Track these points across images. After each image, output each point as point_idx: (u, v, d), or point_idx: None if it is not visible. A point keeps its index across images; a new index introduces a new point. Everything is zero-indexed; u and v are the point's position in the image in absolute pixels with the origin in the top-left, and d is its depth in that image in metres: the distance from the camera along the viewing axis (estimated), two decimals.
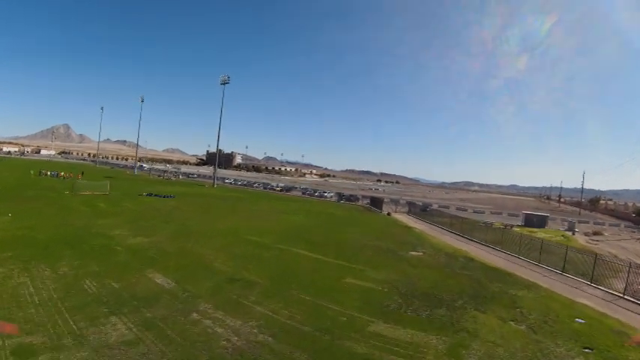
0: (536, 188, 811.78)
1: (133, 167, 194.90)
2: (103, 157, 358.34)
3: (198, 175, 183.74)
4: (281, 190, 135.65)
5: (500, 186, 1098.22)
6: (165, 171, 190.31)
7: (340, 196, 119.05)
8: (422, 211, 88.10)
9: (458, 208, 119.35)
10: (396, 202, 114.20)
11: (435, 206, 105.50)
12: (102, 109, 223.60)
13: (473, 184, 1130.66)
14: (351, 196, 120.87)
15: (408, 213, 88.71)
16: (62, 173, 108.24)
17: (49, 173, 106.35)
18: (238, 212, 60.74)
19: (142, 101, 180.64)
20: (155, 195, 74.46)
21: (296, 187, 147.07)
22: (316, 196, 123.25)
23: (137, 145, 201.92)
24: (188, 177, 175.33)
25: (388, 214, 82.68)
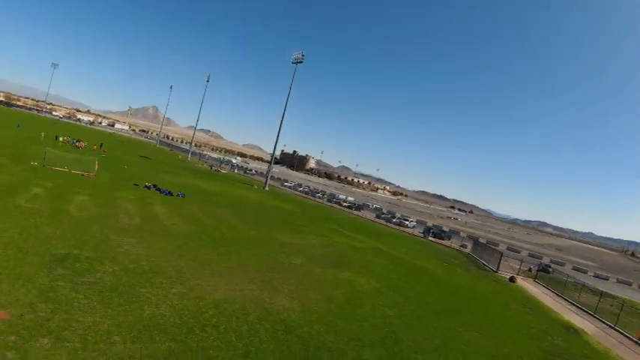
0: (612, 240, 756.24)
1: (187, 150, 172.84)
2: (174, 140, 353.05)
3: (257, 172, 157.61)
4: (349, 207, 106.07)
5: (575, 232, 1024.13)
6: (221, 161, 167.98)
7: (428, 230, 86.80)
8: (542, 271, 64.77)
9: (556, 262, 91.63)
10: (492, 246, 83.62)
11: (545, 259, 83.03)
12: (171, 87, 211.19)
13: (547, 225, 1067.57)
14: (441, 231, 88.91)
15: (535, 279, 57.98)
16: (83, 143, 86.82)
17: (66, 139, 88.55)
18: (252, 255, 29.78)
19: (208, 81, 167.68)
20: (158, 189, 50.27)
21: (368, 206, 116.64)
22: (394, 222, 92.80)
23: (194, 129, 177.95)
24: (245, 172, 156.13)
25: (512, 279, 51.52)
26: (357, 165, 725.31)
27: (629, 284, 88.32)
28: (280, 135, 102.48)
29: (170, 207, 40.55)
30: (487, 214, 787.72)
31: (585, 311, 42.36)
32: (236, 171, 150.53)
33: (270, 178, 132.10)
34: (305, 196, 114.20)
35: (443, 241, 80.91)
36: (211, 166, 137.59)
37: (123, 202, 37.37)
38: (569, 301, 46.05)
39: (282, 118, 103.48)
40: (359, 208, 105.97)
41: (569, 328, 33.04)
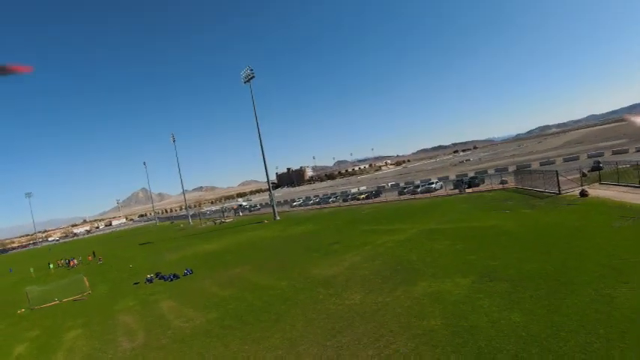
0: (614, 112, 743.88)
1: (186, 216, 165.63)
2: (173, 211, 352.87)
3: (262, 206, 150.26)
4: (367, 197, 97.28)
5: (577, 121, 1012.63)
6: (223, 211, 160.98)
7: (459, 184, 77.47)
8: (594, 170, 57.82)
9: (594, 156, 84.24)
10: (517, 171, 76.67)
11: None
12: (144, 163, 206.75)
13: (549, 127, 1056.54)
14: (472, 179, 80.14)
15: (600, 182, 49.44)
16: (75, 260, 79.77)
17: (60, 263, 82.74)
18: (298, 317, 21.69)
19: (174, 140, 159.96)
20: (161, 277, 43.06)
21: (384, 187, 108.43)
22: (420, 192, 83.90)
23: (183, 194, 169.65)
24: (250, 211, 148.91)
25: (583, 193, 42.80)
26: (351, 154, 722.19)
27: None
28: (266, 157, 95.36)
29: (178, 296, 33.07)
30: (490, 143, 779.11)
31: None
32: (241, 214, 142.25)
33: (277, 204, 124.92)
34: (319, 207, 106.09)
35: (480, 188, 72.79)
36: (214, 221, 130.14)
37: (122, 316, 30.04)
38: None
39: (260, 140, 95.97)
40: (377, 194, 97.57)
41: None
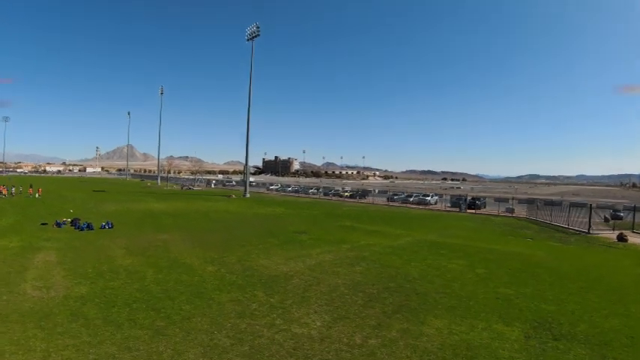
0: (605, 177, 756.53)
1: (162, 178, 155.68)
2: (152, 172, 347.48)
3: (237, 183, 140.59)
4: (352, 196, 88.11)
5: (568, 177, 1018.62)
6: (195, 180, 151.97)
7: (458, 200, 69.31)
8: (615, 218, 52.52)
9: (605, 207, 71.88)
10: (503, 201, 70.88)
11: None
12: (129, 113, 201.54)
13: (539, 176, 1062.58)
14: (475, 199, 71.50)
15: (633, 230, 43.86)
16: (4, 188, 68.02)
17: None
18: (198, 329, 11.68)
19: (162, 93, 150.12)
20: (74, 224, 33.84)
21: (370, 192, 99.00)
22: (412, 202, 75.20)
23: (158, 150, 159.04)
24: (224, 185, 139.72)
25: (621, 238, 36.35)
26: (341, 157, 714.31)
27: None
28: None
29: (67, 250, 23.48)
30: (479, 179, 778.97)
31: None
32: (213, 186, 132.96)
33: (255, 185, 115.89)
34: (296, 195, 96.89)
35: (482, 211, 64.23)
36: (182, 186, 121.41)
37: None
38: None
39: (249, 105, 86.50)
40: (364, 194, 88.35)
41: None
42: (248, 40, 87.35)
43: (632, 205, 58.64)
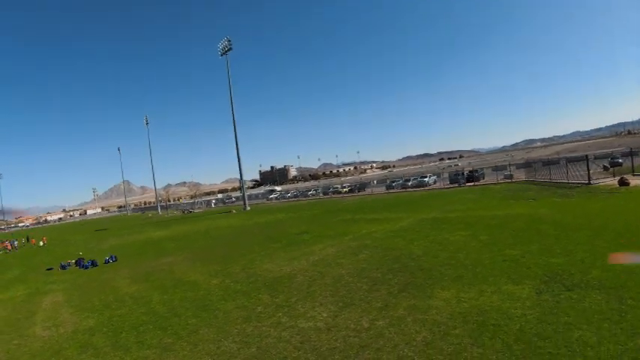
0: (598, 130, 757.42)
1: (162, 207, 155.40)
2: (152, 204, 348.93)
3: (237, 199, 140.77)
4: (351, 190, 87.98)
5: (562, 136, 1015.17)
6: (195, 202, 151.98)
7: (456, 176, 69.30)
8: (614, 165, 53.47)
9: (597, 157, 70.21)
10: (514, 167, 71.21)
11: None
12: (119, 149, 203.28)
13: (534, 140, 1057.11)
14: (473, 171, 71.11)
15: (633, 173, 44.19)
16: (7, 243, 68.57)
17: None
18: (208, 339, 11.77)
19: (147, 123, 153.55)
20: (78, 264, 33.73)
21: (369, 183, 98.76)
22: (412, 186, 75.04)
23: (154, 185, 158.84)
24: (224, 203, 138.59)
25: (623, 182, 36.41)
26: (336, 156, 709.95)
27: None
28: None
29: (74, 289, 23.54)
30: (477, 153, 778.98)
31: None
32: (213, 206, 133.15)
33: (255, 198, 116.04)
34: (295, 199, 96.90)
35: (481, 182, 64.15)
36: (183, 211, 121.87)
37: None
38: None
39: (233, 117, 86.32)
40: (362, 187, 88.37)
41: None
42: (221, 55, 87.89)
43: (629, 149, 58.70)
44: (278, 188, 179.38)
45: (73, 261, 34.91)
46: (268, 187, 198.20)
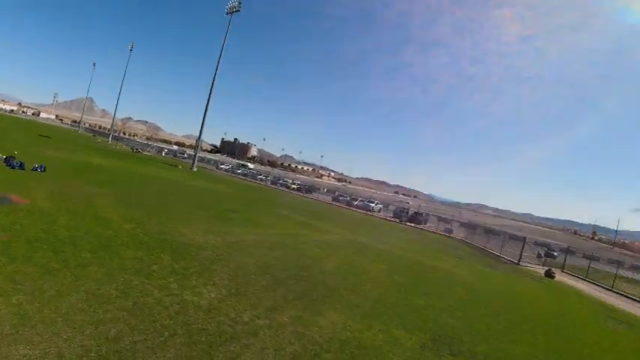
0: (549, 219, 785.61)
1: (114, 137, 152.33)
2: (107, 130, 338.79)
3: (188, 156, 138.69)
4: (298, 189, 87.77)
5: (514, 213, 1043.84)
6: (148, 145, 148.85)
7: (400, 212, 70.38)
8: (547, 256, 54.72)
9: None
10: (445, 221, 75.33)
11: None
12: (94, 64, 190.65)
13: (487, 207, 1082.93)
14: (417, 214, 72.45)
15: (563, 269, 46.86)
16: None
17: None
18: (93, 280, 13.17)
19: (131, 49, 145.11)
20: (7, 162, 31.32)
21: (319, 189, 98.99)
22: (356, 206, 75.64)
23: (115, 112, 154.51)
24: (175, 156, 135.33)
25: (549, 274, 37.79)
26: (300, 152, 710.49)
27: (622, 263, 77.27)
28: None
29: None
30: (430, 198, 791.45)
31: None
32: (164, 155, 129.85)
33: (207, 162, 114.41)
34: (244, 178, 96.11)
35: (421, 226, 65.18)
36: (133, 148, 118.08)
37: None
38: (630, 297, 36.96)
39: (213, 82, 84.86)
40: (310, 190, 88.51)
41: None
42: (227, 13, 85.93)
43: (567, 246, 61.55)
44: (251, 165, 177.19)
45: (3, 157, 33.46)
46: (241, 162, 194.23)
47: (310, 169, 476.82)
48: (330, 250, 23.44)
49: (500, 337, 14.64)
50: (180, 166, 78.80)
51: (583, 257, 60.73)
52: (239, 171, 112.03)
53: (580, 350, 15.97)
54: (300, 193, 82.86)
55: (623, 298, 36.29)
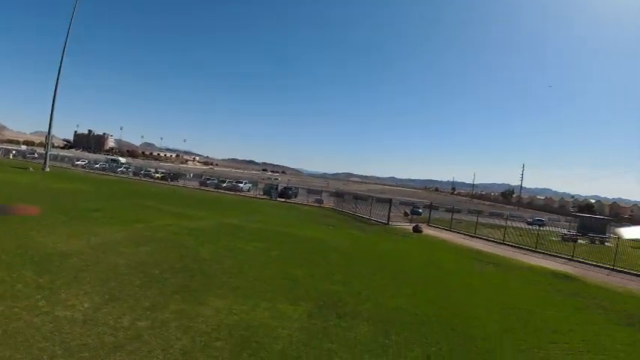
0: (412, 180, 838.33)
1: None
2: None
3: (40, 156, 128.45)
4: (163, 178, 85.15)
5: (379, 178, 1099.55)
6: None
7: (270, 189, 70.92)
8: (414, 213, 62.36)
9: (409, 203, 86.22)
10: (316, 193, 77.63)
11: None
12: None
13: (353, 175, 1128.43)
14: (286, 189, 73.78)
15: (429, 223, 52.31)
16: None
17: None
18: None
19: None
20: None
21: (185, 175, 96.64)
22: (225, 187, 75.68)
23: None
24: (25, 157, 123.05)
25: (417, 229, 41.85)
26: (161, 139, 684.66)
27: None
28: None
29: None
30: (298, 173, 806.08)
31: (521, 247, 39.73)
32: (12, 157, 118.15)
33: (61, 160, 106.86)
34: (103, 173, 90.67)
35: (292, 200, 66.89)
36: None
37: None
38: (491, 240, 42.61)
39: (61, 64, 78.39)
40: (176, 177, 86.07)
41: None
42: None
43: (430, 203, 66.76)
44: (122, 160, 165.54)
45: None
46: (110, 157, 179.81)
47: (174, 155, 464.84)
48: (203, 237, 22.96)
49: (380, 293, 15.57)
50: (31, 168, 72.42)
51: (446, 211, 65.96)
52: (78, 162, 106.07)
53: (455, 294, 17.45)
54: (166, 182, 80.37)
55: (486, 242, 40.42)
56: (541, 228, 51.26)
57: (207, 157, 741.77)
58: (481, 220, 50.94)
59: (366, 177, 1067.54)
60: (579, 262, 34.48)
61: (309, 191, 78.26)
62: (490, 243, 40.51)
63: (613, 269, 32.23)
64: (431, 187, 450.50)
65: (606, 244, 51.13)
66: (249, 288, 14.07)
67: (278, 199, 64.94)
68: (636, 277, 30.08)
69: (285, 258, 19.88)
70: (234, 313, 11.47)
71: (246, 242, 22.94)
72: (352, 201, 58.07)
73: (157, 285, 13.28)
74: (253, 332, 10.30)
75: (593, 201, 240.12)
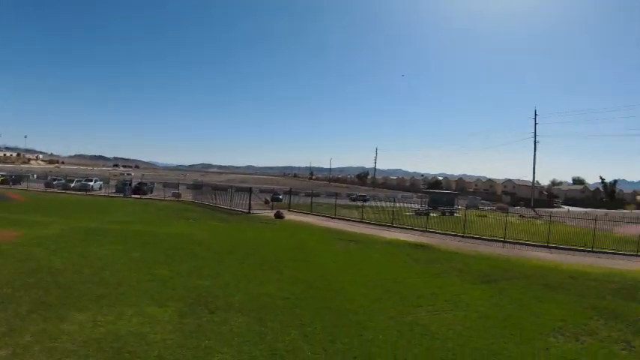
0: (271, 168, 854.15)
1: None
2: None
3: None
4: (3, 182, 76.36)
5: (237, 167, 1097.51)
6: None
7: (123, 186, 68.17)
8: (274, 200, 66.43)
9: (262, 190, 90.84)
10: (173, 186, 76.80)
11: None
12: None
13: (212, 165, 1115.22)
14: (141, 184, 71.63)
15: (289, 209, 54.12)
16: None
17: None
18: None
19: None
20: None
21: (28, 177, 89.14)
22: (74, 188, 69.96)
23: None
24: None
25: (278, 215, 43.59)
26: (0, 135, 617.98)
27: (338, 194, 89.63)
28: None
29: None
30: (153, 166, 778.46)
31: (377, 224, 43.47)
32: None
33: None
34: None
35: (148, 196, 65.16)
36: None
37: None
38: (350, 219, 45.92)
39: None
40: (17, 180, 78.95)
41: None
42: None
43: (289, 189, 68.54)
44: None
45: None
46: None
47: (14, 154, 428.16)
48: (54, 246, 21.26)
49: (249, 282, 16.00)
50: None
51: (306, 195, 67.79)
52: None
53: (323, 273, 18.51)
54: (6, 186, 73.36)
55: (346, 222, 43.34)
56: (365, 204, 56.31)
57: (52, 154, 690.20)
58: (339, 202, 53.87)
59: (224, 167, 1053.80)
60: (433, 232, 38.98)
61: (166, 185, 76.18)
62: (350, 222, 43.31)
63: (464, 236, 36.74)
64: (289, 173, 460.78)
65: (455, 214, 56.98)
66: (112, 295, 13.45)
67: (133, 195, 62.24)
68: (485, 242, 34.50)
69: (147, 258, 19.27)
70: (100, 325, 10.92)
71: (103, 246, 21.75)
72: (211, 192, 57.80)
73: (11, 306, 12.06)
74: (124, 342, 9.88)
75: (440, 178, 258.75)
